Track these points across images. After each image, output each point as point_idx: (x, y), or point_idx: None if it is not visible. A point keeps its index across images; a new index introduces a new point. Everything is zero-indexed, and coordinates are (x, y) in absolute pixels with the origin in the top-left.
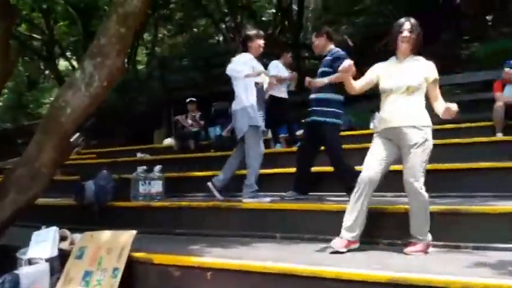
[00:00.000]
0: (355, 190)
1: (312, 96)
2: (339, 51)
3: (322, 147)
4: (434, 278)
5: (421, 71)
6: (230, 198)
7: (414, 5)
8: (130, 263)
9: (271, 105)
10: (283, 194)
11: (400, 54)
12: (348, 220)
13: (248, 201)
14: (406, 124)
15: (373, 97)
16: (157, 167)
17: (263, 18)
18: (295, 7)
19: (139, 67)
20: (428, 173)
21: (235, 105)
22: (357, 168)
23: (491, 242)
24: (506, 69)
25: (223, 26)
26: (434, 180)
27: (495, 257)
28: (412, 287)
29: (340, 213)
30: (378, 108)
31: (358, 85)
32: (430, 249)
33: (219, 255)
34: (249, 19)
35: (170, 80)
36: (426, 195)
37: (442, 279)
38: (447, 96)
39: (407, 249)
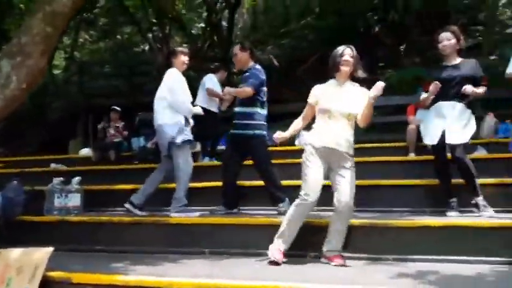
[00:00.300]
0: (296, 210)
1: (238, 109)
2: (256, 67)
3: (250, 161)
4: None
5: (360, 98)
6: (155, 213)
7: (336, 32)
8: (46, 283)
9: (201, 118)
10: (213, 207)
11: (341, 78)
12: (287, 236)
13: (175, 216)
14: (347, 150)
15: (296, 114)
16: (76, 179)
17: (193, 31)
18: (224, 23)
19: (56, 71)
20: None
21: (155, 122)
22: (284, 182)
23: (410, 254)
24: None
25: (151, 35)
26: (355, 196)
27: (414, 268)
28: None
29: (270, 227)
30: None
31: (305, 121)
32: (355, 262)
33: (146, 273)
34: (178, 31)
35: (90, 87)
36: None
37: None
38: None
39: (340, 261)
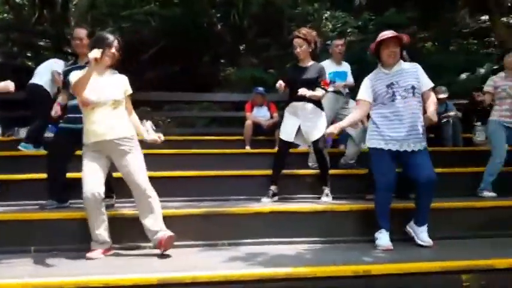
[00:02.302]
0: (87, 207)
1: (74, 102)
2: None
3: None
4: (198, 275)
5: (121, 85)
6: None
7: (180, 24)
8: None
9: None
10: (42, 202)
11: (102, 68)
12: (98, 234)
13: None
14: (119, 136)
15: (138, 103)
16: None
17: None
18: None
19: None
20: (188, 179)
21: None
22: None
23: (244, 238)
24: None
25: None
26: (194, 186)
27: (246, 251)
28: (180, 285)
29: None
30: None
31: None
32: (193, 249)
33: None
34: None
35: None
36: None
37: (205, 275)
38: (208, 111)
39: (164, 246)
